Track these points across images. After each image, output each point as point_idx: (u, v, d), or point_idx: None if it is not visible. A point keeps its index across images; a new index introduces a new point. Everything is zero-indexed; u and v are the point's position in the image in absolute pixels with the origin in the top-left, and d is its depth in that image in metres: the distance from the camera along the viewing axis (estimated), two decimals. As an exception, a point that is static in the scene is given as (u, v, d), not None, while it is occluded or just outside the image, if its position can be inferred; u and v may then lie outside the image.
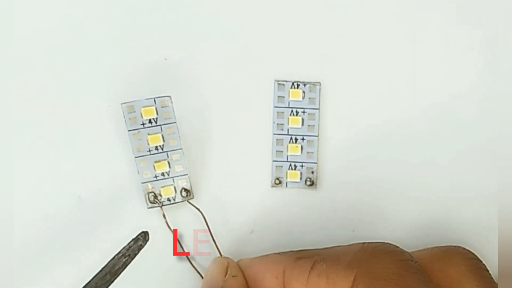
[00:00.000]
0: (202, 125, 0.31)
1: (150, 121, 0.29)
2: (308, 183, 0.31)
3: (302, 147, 0.31)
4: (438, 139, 0.31)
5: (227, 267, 0.28)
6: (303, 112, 0.31)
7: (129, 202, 0.31)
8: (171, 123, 0.30)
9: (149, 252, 0.29)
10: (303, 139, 0.31)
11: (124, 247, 0.28)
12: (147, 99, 0.29)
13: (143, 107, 0.29)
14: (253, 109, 0.31)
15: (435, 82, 0.31)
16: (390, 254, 0.24)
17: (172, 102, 0.29)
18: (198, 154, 0.31)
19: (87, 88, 0.31)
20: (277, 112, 0.31)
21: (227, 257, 0.29)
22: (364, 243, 0.25)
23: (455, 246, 0.27)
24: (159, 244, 0.30)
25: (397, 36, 0.31)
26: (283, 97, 0.31)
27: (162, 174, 0.30)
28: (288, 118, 0.31)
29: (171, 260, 0.30)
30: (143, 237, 0.28)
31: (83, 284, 0.26)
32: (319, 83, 0.31)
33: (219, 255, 0.30)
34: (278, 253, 0.27)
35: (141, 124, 0.29)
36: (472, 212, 0.31)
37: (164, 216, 0.30)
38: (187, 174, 0.30)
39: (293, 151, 0.31)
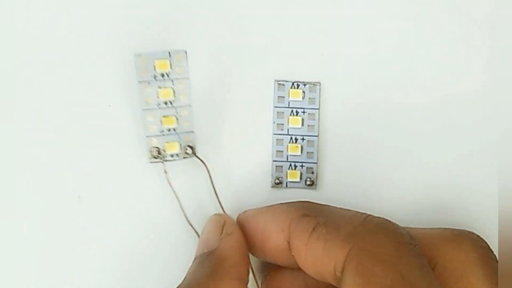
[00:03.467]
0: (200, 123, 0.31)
1: (162, 75, 0.29)
2: (308, 183, 0.31)
3: (302, 147, 0.31)
4: (439, 140, 0.31)
5: (222, 226, 0.28)
6: (303, 112, 0.31)
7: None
8: (183, 78, 0.29)
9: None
10: (303, 139, 0.31)
11: None
12: (162, 51, 0.29)
13: (157, 59, 0.28)
14: (253, 109, 0.31)
15: (436, 82, 0.31)
16: (390, 234, 0.24)
17: (187, 57, 0.29)
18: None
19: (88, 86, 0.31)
20: (277, 112, 0.31)
21: (224, 214, 0.29)
22: (367, 216, 0.25)
23: (468, 231, 0.26)
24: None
25: (398, 35, 0.31)
26: (283, 97, 0.31)
27: (168, 130, 0.29)
28: (288, 118, 0.31)
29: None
30: None
31: None
32: (319, 83, 0.31)
33: (222, 212, 0.29)
34: (285, 204, 0.27)
35: (152, 77, 0.29)
36: (472, 212, 0.31)
37: (165, 171, 0.30)
38: (193, 132, 0.30)
39: (293, 151, 0.31)
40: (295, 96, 0.31)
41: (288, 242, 0.26)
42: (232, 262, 0.26)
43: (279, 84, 0.31)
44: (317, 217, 0.26)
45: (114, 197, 0.30)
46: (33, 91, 0.31)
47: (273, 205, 0.28)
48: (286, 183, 0.31)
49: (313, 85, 0.31)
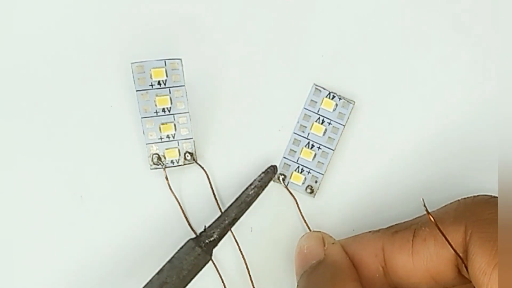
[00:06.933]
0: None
1: (159, 83, 0.30)
2: (309, 190, 0.31)
3: (315, 155, 0.31)
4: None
5: (322, 239, 0.28)
6: (329, 123, 0.31)
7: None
8: (180, 86, 0.30)
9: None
10: (319, 147, 0.31)
11: (255, 179, 0.29)
12: (157, 60, 0.29)
13: (153, 68, 0.29)
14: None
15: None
16: (491, 201, 0.25)
17: (182, 65, 0.29)
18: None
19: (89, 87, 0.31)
20: (305, 114, 0.31)
21: (319, 230, 0.30)
22: (459, 200, 0.26)
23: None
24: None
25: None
26: (316, 102, 0.31)
27: (167, 136, 0.30)
28: (313, 124, 0.31)
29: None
30: (272, 170, 0.30)
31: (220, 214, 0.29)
32: (354, 102, 0.31)
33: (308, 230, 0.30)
34: (370, 232, 0.28)
35: (149, 85, 0.30)
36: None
37: (166, 178, 0.30)
38: (192, 138, 0.30)
39: (306, 155, 0.31)
40: (327, 106, 0.31)
41: (383, 267, 0.26)
42: (346, 265, 0.27)
43: (316, 88, 0.31)
44: (410, 226, 0.26)
45: (116, 202, 0.31)
46: (38, 95, 0.31)
47: (356, 235, 0.28)
48: (288, 182, 0.31)
49: (348, 102, 0.31)
